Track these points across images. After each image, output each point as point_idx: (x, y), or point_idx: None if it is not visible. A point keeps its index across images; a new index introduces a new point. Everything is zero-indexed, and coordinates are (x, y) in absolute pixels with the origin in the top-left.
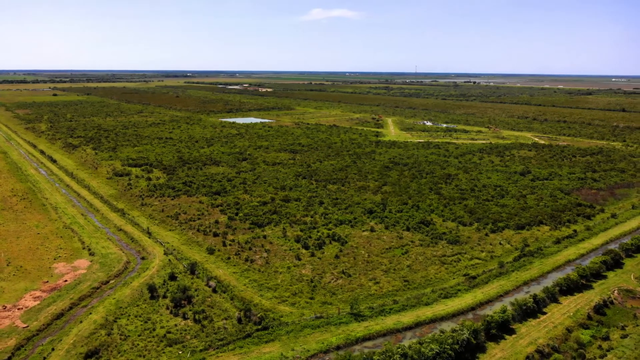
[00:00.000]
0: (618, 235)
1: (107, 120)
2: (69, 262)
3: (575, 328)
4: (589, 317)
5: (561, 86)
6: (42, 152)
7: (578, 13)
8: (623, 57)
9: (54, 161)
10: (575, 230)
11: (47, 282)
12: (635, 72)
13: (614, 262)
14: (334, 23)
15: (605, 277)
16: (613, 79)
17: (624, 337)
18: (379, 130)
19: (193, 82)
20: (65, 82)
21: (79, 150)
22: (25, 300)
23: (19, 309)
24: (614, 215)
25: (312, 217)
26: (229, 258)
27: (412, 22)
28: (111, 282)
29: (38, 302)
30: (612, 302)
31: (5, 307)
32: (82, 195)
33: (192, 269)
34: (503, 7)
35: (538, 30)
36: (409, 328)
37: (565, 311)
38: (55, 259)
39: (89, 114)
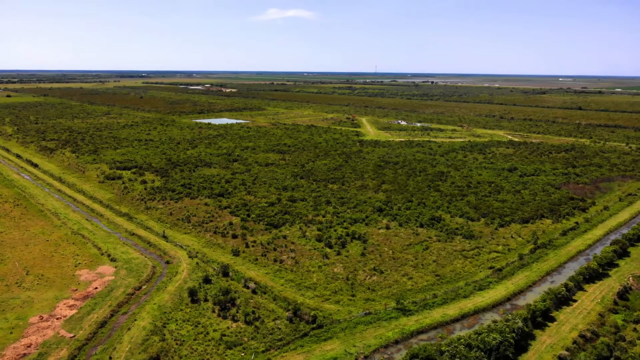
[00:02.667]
0: (616, 226)
1: (75, 122)
2: (92, 269)
3: (606, 313)
4: (615, 303)
5: (497, 85)
6: (18, 156)
7: (530, 15)
8: (568, 58)
9: (35, 165)
10: (577, 223)
11: (77, 290)
12: (580, 72)
13: (622, 251)
14: (290, 23)
15: (617, 265)
16: (560, 79)
17: None
18: (357, 129)
19: (152, 83)
20: (14, 82)
21: (58, 154)
22: (61, 309)
23: (57, 318)
24: (606, 208)
25: (324, 216)
26: (256, 259)
27: (368, 22)
28: (144, 287)
29: (75, 310)
30: (630, 289)
31: (42, 317)
32: (79, 200)
33: (225, 271)
34: (451, 9)
35: (488, 32)
36: (456, 320)
37: (593, 298)
38: (76, 266)
39: (54, 115)
